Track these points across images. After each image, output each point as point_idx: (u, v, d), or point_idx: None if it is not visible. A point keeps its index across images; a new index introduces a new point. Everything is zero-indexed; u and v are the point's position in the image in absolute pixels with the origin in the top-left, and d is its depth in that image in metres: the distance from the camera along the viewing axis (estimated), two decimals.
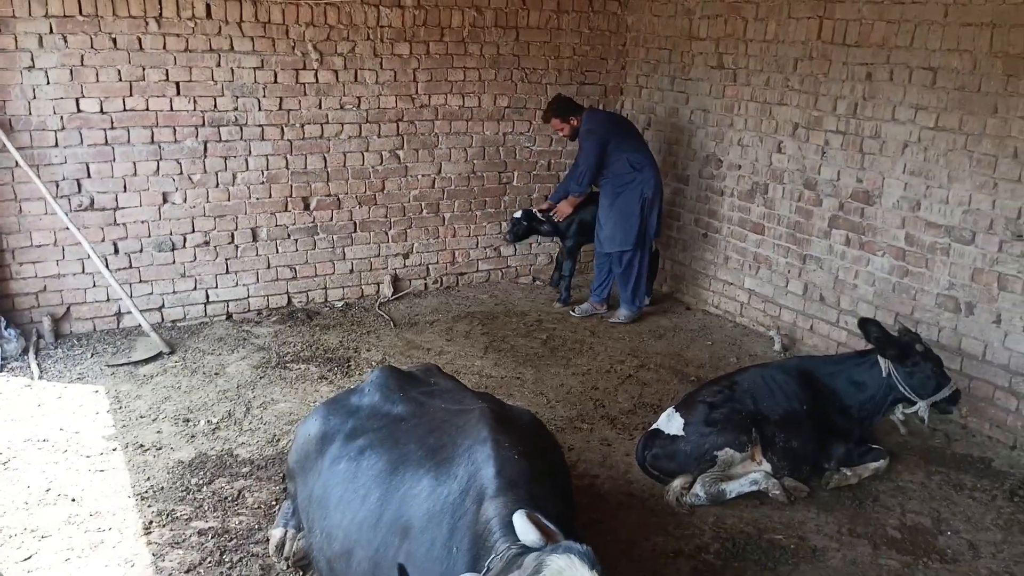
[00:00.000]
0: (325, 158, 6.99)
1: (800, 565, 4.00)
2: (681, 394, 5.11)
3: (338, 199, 7.15)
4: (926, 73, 5.47)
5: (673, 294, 7.89)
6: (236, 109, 6.55)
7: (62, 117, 6.02)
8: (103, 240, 6.32)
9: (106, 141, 6.19)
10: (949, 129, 5.37)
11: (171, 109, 6.34)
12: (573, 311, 7.29)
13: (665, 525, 4.27)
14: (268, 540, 3.92)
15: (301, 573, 3.79)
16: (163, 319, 6.67)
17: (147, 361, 6.02)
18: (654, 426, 4.75)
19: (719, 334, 7.01)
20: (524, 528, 2.42)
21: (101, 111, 6.12)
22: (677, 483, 4.45)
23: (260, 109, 6.63)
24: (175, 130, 6.40)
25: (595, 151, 6.84)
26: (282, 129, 6.75)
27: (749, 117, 6.88)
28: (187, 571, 3.83)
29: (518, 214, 7.41)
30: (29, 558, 3.87)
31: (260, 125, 6.66)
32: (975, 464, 5.04)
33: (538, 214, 7.37)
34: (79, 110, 6.06)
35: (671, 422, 4.64)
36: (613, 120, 7.17)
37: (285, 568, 3.81)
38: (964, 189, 5.32)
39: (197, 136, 6.46)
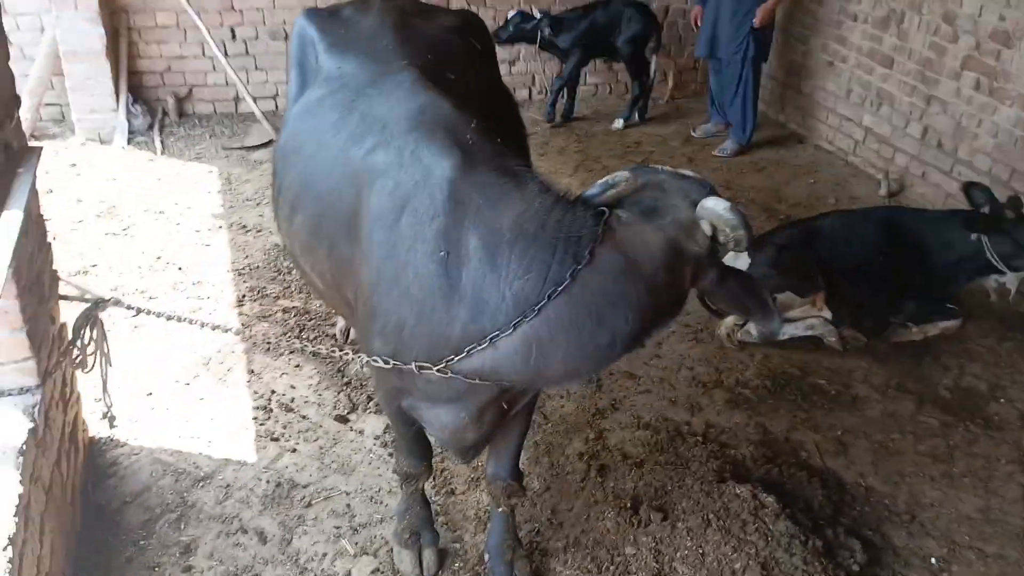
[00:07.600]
0: None
1: (835, 411, 4.07)
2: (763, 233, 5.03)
3: None
4: None
5: (787, 124, 7.52)
6: None
7: None
8: (221, 25, 6.55)
9: None
10: None
11: None
12: (694, 131, 7.11)
13: (710, 356, 4.40)
14: (336, 324, 4.33)
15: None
16: (277, 108, 6.95)
17: (259, 147, 6.40)
18: None
19: (825, 172, 6.71)
20: None
21: None
22: (731, 319, 4.50)
23: None
24: None
25: None
26: None
27: None
28: (268, 341, 4.29)
29: (512, 13, 6.79)
30: (136, 315, 4.42)
31: None
32: None
33: (534, 11, 6.74)
34: None
35: (737, 260, 4.62)
36: None
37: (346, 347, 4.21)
38: None
39: None
